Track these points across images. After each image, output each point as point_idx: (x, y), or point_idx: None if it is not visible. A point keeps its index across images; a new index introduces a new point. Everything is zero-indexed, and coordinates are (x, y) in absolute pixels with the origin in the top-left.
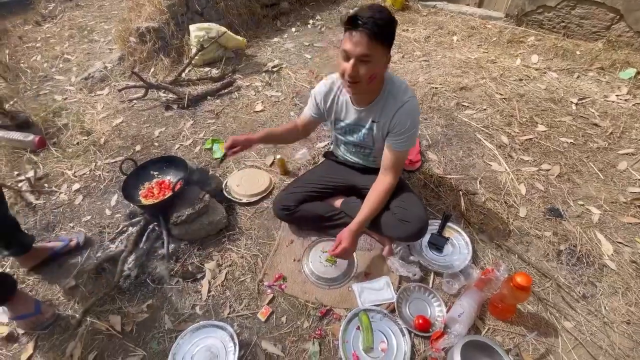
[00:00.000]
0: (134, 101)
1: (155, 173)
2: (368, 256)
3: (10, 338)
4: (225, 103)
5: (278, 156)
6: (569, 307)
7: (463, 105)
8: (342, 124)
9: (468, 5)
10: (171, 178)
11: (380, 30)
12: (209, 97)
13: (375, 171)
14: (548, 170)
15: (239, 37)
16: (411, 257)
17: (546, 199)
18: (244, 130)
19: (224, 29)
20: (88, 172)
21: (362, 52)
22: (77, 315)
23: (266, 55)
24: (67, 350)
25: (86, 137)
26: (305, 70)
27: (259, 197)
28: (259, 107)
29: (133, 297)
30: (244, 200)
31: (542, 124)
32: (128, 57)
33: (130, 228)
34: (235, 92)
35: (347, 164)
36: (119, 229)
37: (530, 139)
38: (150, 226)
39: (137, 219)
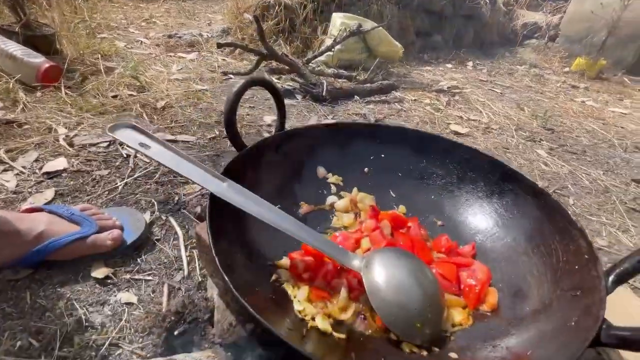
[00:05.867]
0: (233, 77)
1: None
2: None
3: None
4: (385, 111)
5: None
6: None
7: None
8: None
9: None
10: None
11: None
12: (356, 97)
13: None
14: None
15: (397, 44)
16: None
17: None
18: None
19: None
20: (104, 146)
21: None
22: None
23: (426, 76)
24: None
25: (134, 94)
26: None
27: None
28: (456, 128)
29: None
30: None
31: None
32: (236, 31)
33: None
34: (396, 103)
35: None
36: None
37: None
38: None
39: None
